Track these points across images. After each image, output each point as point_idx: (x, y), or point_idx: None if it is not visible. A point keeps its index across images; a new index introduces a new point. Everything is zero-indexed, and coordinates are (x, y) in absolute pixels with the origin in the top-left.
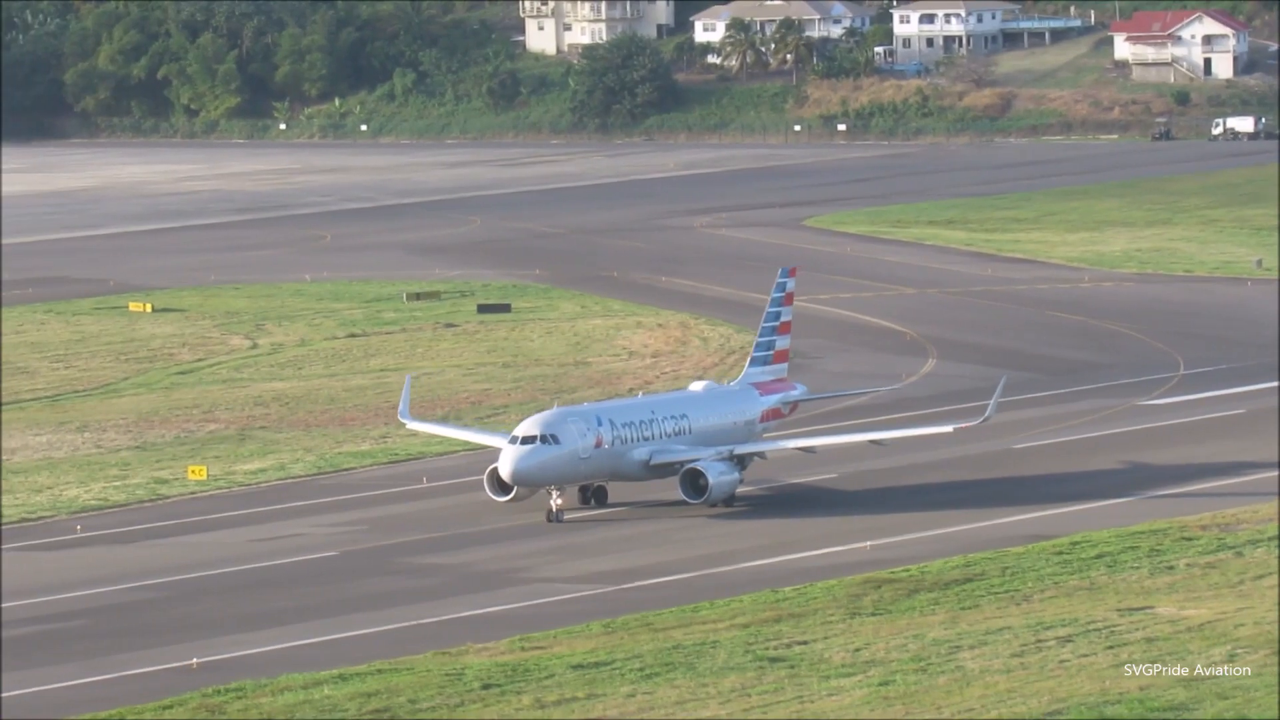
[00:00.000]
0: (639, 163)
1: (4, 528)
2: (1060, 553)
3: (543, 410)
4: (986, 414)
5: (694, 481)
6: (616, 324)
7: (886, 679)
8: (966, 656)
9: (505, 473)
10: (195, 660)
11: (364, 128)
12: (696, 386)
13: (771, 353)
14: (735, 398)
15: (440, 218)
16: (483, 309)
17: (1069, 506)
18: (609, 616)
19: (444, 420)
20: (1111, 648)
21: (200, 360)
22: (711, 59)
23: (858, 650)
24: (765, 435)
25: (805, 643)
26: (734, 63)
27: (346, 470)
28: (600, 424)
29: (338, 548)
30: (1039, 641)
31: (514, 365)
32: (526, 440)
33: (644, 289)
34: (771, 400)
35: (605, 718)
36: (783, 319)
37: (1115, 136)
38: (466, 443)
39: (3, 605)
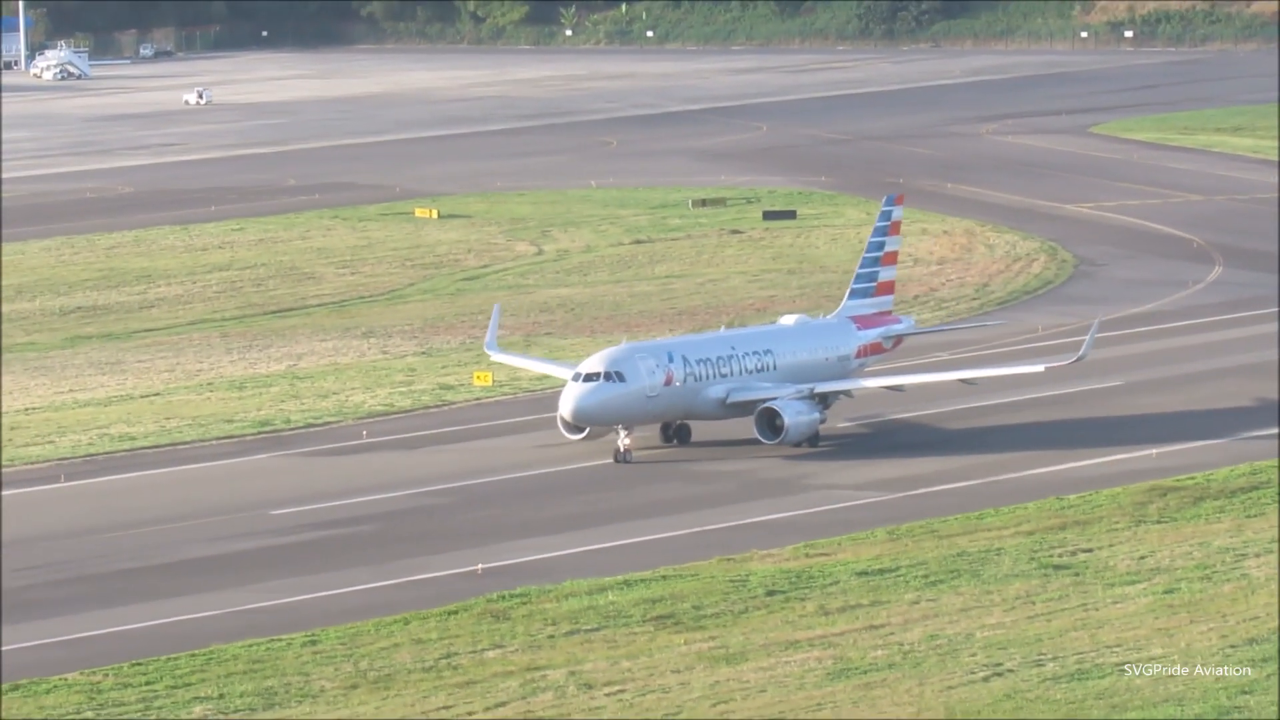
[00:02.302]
0: (925, 69)
1: (284, 434)
2: None
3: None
4: (1081, 352)
5: (770, 421)
6: (902, 231)
7: (1171, 586)
8: (1251, 564)
9: (566, 411)
10: (480, 566)
11: (650, 34)
12: (788, 320)
13: (874, 284)
14: (827, 332)
15: (726, 124)
16: (768, 215)
17: None
18: (893, 523)
19: (528, 353)
20: None
21: (486, 266)
22: None
23: (1142, 558)
24: (865, 371)
25: (1090, 550)
26: None
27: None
28: (671, 360)
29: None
30: None
31: (799, 272)
32: (590, 378)
33: (930, 196)
34: (870, 335)
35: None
36: (887, 249)
37: None
38: (549, 377)
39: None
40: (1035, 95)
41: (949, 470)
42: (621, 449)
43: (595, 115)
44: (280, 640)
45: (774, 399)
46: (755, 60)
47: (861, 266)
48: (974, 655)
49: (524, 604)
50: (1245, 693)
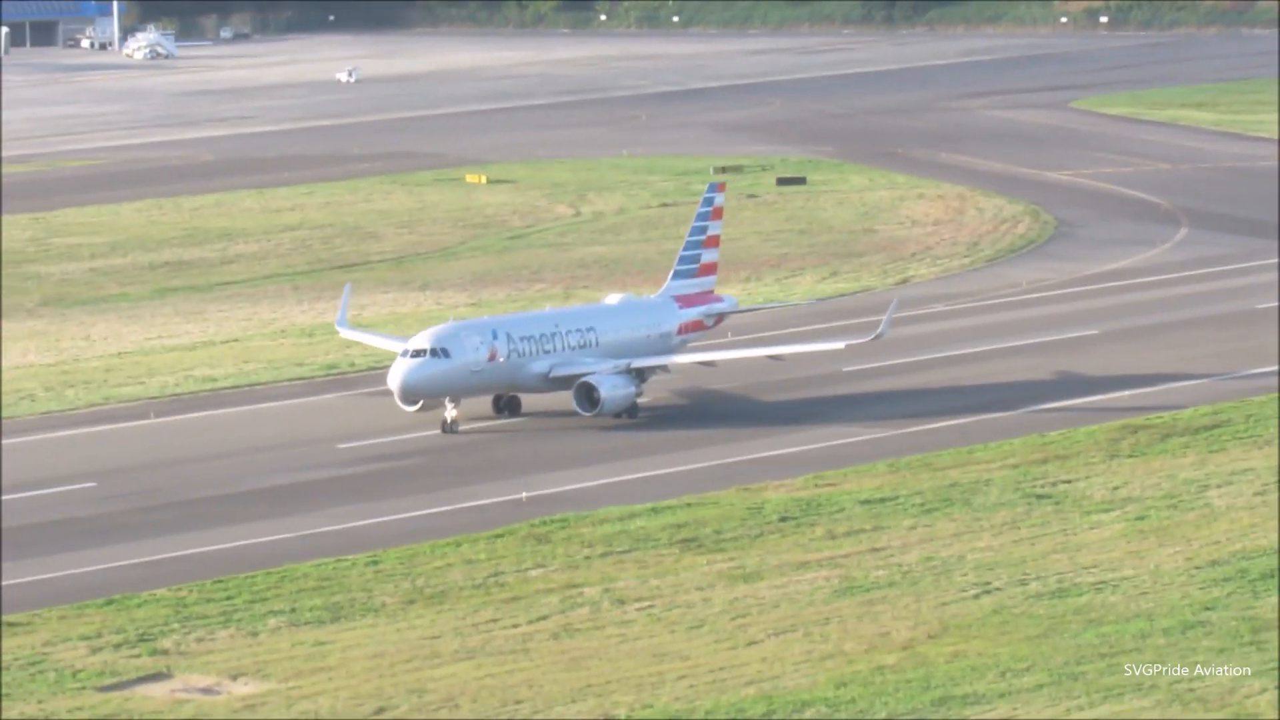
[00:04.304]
0: (921, 50)
1: (349, 376)
2: None
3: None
4: (880, 330)
5: (588, 394)
6: (901, 195)
7: (1142, 514)
8: (1214, 494)
9: (394, 386)
10: (524, 494)
11: (676, 19)
12: (612, 299)
13: (697, 266)
14: (649, 310)
15: (743, 100)
16: (781, 181)
17: None
18: (894, 457)
19: (379, 331)
20: None
21: (529, 226)
22: None
23: (1116, 489)
24: (690, 347)
25: (1069, 481)
26: None
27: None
28: (495, 337)
29: (649, 396)
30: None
31: (809, 232)
32: (417, 354)
33: (925, 164)
34: (692, 313)
35: None
36: (710, 232)
37: None
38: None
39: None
40: (1020, 74)
41: (943, 409)
42: (449, 420)
43: (626, 92)
44: (346, 560)
45: (592, 373)
46: (769, 43)
47: (685, 249)
48: (965, 575)
49: (563, 528)
50: (1208, 609)
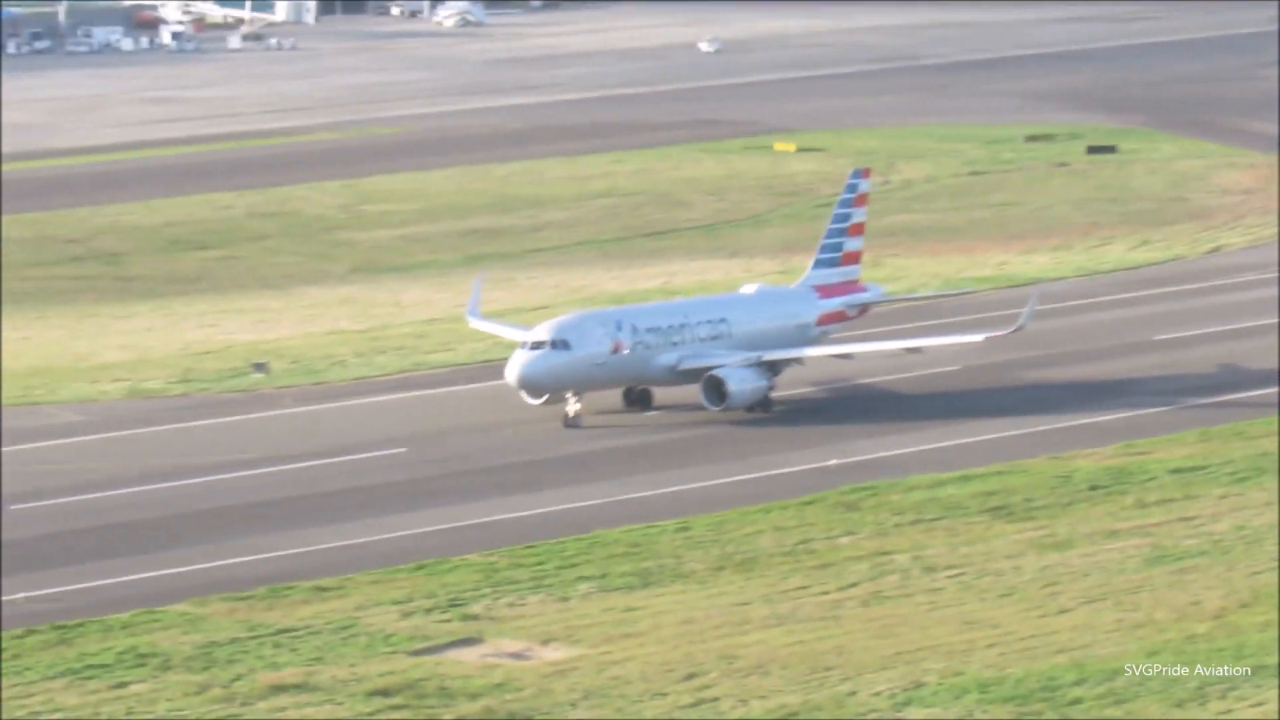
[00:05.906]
0: (1231, 18)
1: None
2: None
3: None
4: (1020, 323)
5: (716, 388)
6: (1211, 164)
7: None
8: None
9: (511, 378)
10: (833, 461)
11: None
12: (748, 289)
13: (839, 254)
14: (787, 300)
15: (1053, 68)
16: (1092, 150)
17: None
18: (1206, 426)
19: (511, 322)
20: None
21: (838, 195)
22: None
23: None
24: (832, 338)
25: None
26: None
27: (969, 293)
28: (620, 329)
29: (960, 363)
30: None
31: (1119, 201)
32: (536, 345)
33: (1236, 132)
34: (833, 303)
35: None
36: (854, 220)
37: None
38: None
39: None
40: None
41: (1254, 379)
42: (570, 414)
43: (936, 60)
44: (655, 526)
45: (721, 366)
46: (1079, 10)
47: (826, 237)
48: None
49: (872, 496)
50: None
